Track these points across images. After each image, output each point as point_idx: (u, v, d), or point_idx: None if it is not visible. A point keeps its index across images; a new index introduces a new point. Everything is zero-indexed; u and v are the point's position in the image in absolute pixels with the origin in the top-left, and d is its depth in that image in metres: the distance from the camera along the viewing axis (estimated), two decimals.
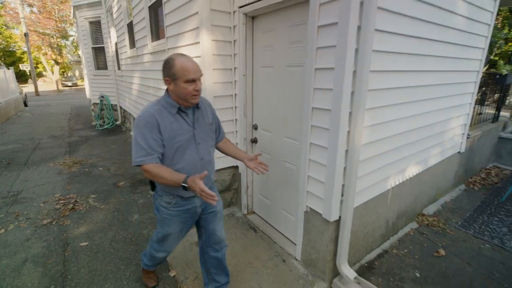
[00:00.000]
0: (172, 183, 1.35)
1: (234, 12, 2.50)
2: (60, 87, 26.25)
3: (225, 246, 1.85)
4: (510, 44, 7.59)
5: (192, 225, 1.76)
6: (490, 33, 3.12)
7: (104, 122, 8.09)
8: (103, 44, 7.69)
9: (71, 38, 30.10)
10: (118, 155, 5.32)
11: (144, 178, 4.18)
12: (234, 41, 2.57)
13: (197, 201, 1.62)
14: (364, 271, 2.26)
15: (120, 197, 3.55)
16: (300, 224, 2.19)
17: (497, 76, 3.95)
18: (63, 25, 27.77)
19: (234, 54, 2.62)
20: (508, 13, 7.34)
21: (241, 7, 2.40)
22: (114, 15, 6.26)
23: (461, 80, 2.94)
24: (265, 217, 2.84)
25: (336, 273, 2.08)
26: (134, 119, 1.54)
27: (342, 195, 1.88)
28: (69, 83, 28.75)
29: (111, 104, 8.01)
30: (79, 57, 20.85)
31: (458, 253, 2.50)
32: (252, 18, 2.47)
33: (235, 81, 2.69)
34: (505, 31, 7.52)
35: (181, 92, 1.39)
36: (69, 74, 33.96)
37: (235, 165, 2.95)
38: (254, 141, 2.75)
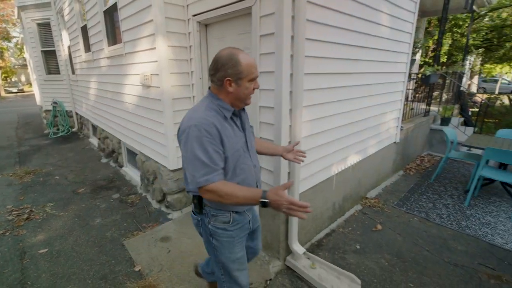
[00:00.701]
0: (245, 201, 1.13)
1: (188, 20, 2.68)
2: (3, 93, 23.80)
3: None
4: (441, 49, 8.73)
5: None
6: (412, 40, 3.68)
7: (58, 129, 7.64)
8: (54, 47, 7.28)
9: (14, 40, 27.44)
10: (76, 163, 5.13)
11: (107, 183, 4.14)
12: (190, 46, 2.75)
13: (249, 215, 1.44)
14: (314, 248, 2.57)
15: (81, 204, 3.50)
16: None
17: (423, 77, 4.62)
18: (4, 25, 25.22)
19: (191, 59, 2.80)
20: (437, 22, 8.47)
21: (194, 15, 2.59)
22: (66, 18, 6.02)
23: (391, 80, 3.44)
24: None
25: (289, 251, 2.36)
26: (179, 130, 1.22)
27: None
28: (14, 90, 26.16)
29: (66, 111, 7.60)
30: (26, 60, 19.14)
31: (392, 226, 2.94)
32: (205, 25, 2.67)
33: (192, 84, 2.86)
34: (435, 37, 8.65)
35: (243, 92, 1.23)
36: (13, 80, 30.86)
37: None
38: None
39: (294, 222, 2.24)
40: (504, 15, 8.48)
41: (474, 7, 6.51)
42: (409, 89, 5.96)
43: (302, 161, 1.67)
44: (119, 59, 3.58)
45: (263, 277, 2.19)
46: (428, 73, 4.47)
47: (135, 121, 3.55)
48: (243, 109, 1.38)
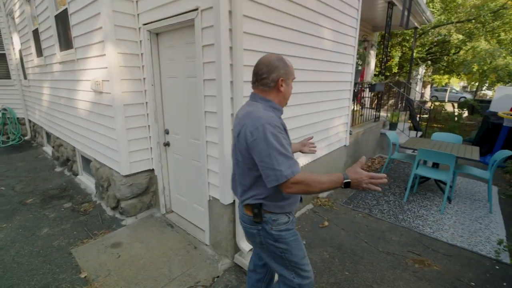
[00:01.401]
0: (331, 185, 1.15)
1: (139, 28, 2.76)
2: None
3: None
4: (392, 60, 9.59)
5: None
6: (356, 52, 4.06)
7: (8, 138, 7.12)
8: (4, 50, 6.84)
9: None
10: (26, 172, 4.84)
11: (59, 193, 3.97)
12: (142, 54, 2.82)
13: None
14: None
15: (28, 214, 3.33)
16: (206, 212, 2.53)
17: (370, 86, 5.08)
18: None
19: (143, 66, 2.86)
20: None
21: (145, 24, 2.67)
22: (17, 20, 5.73)
23: (337, 88, 3.75)
24: (182, 213, 3.10)
25: (237, 249, 2.47)
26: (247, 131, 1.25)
27: None
28: None
29: (17, 118, 7.13)
30: None
31: (337, 222, 3.18)
32: (156, 34, 2.76)
33: (145, 90, 2.92)
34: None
35: (289, 91, 1.34)
36: None
37: (151, 168, 3.14)
38: (167, 144, 3.00)
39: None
40: (443, 31, 9.57)
41: (416, 24, 7.28)
42: (364, 97, 6.48)
43: (315, 151, 1.74)
44: (71, 64, 3.52)
45: (211, 274, 2.28)
46: (373, 82, 4.92)
47: (88, 127, 3.49)
48: None
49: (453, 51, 9.61)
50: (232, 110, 2.14)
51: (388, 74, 9.83)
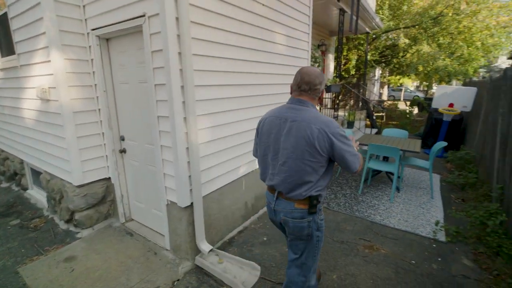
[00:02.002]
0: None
1: (88, 33, 2.69)
2: None
3: None
4: (349, 63, 10.24)
5: None
6: (309, 56, 4.30)
7: None
8: None
9: None
10: None
11: (5, 210, 3.67)
12: (92, 60, 2.75)
13: None
14: (226, 246, 2.77)
15: None
16: (164, 217, 2.53)
17: (326, 87, 5.40)
18: None
19: (93, 72, 2.78)
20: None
21: (93, 29, 2.61)
22: None
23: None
24: (142, 220, 3.05)
25: (198, 251, 2.50)
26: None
27: (191, 185, 2.33)
28: None
29: None
30: None
31: None
32: (106, 39, 2.71)
33: (97, 96, 2.84)
34: (344, 53, 10.10)
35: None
36: None
37: (107, 177, 3.04)
38: (123, 151, 2.94)
39: (200, 223, 2.40)
40: (393, 35, 10.44)
41: (367, 29, 7.86)
42: (325, 98, 6.83)
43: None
44: (14, 71, 3.30)
45: (171, 278, 2.28)
46: (329, 83, 5.24)
47: (36, 137, 3.29)
48: None
49: (401, 54, 10.51)
50: (184, 114, 2.18)
51: (346, 76, 10.46)
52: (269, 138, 1.55)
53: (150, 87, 2.25)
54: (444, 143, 3.94)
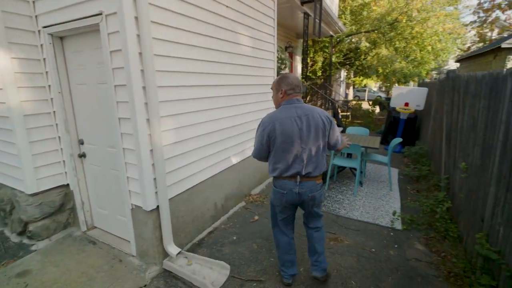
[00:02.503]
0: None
1: (39, 31, 2.52)
2: None
3: None
4: (316, 65, 10.65)
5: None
6: (276, 58, 4.42)
7: None
8: None
9: None
10: None
11: None
12: (44, 59, 2.58)
13: None
14: (195, 247, 2.75)
15: None
16: (129, 222, 2.45)
17: None
18: None
19: (47, 72, 2.61)
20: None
21: (45, 27, 2.45)
22: None
23: (260, 91, 4.01)
24: (106, 227, 2.91)
25: (166, 254, 2.46)
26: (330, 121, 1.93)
27: (156, 187, 2.29)
28: None
29: None
30: None
31: (267, 215, 3.41)
32: (60, 38, 2.56)
33: (51, 98, 2.67)
34: (311, 55, 10.48)
35: None
36: None
37: (66, 183, 2.87)
38: (83, 155, 2.79)
39: (167, 226, 2.36)
40: (354, 40, 11.08)
41: (331, 33, 8.24)
42: None
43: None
44: None
45: (138, 285, 2.22)
46: None
47: None
48: None
49: (363, 56, 11.18)
50: (147, 115, 2.14)
51: (313, 77, 10.85)
52: (291, 136, 1.81)
53: (110, 88, 2.17)
54: (399, 139, 4.27)
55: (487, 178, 2.21)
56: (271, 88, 2.00)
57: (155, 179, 2.27)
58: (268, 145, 1.88)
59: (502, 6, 19.46)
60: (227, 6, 2.98)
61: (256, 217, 3.35)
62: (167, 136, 2.35)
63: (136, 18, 1.97)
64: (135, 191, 2.30)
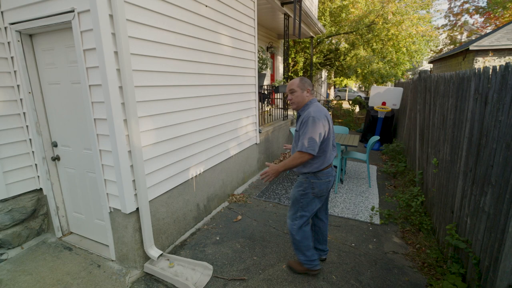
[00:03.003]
0: None
1: (5, 28, 2.39)
2: None
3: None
4: (297, 65, 10.81)
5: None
6: (257, 58, 4.44)
7: None
8: None
9: None
10: None
11: None
12: (12, 57, 2.45)
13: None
14: (177, 249, 2.72)
15: None
16: (108, 226, 2.38)
17: (274, 88, 5.64)
18: None
19: (15, 71, 2.48)
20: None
21: (12, 23, 2.33)
22: None
23: (241, 91, 4.02)
24: (83, 232, 2.81)
25: (147, 258, 2.41)
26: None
27: (135, 190, 2.24)
28: None
29: None
30: None
31: (250, 215, 3.43)
32: (29, 35, 2.44)
33: (20, 99, 2.53)
34: (292, 55, 10.63)
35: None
36: None
37: (39, 188, 2.74)
38: (57, 158, 2.68)
39: (147, 228, 2.32)
40: (334, 41, 11.36)
41: (311, 34, 8.40)
42: (277, 98, 7.07)
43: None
44: None
45: None
46: (276, 84, 5.47)
47: None
48: (299, 115, 2.14)
49: (342, 57, 11.48)
50: (125, 116, 2.09)
51: (295, 77, 11.00)
52: (332, 128, 2.10)
53: (85, 88, 2.09)
54: (377, 137, 4.43)
55: (455, 172, 2.35)
56: (293, 89, 2.11)
57: (134, 180, 2.22)
58: (323, 138, 2.02)
59: (470, 11, 20.69)
60: (206, 6, 2.97)
61: (240, 217, 3.35)
62: (146, 137, 2.30)
63: (111, 16, 1.92)
64: (114, 193, 2.24)
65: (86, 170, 2.52)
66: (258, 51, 4.98)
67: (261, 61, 4.98)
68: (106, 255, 2.51)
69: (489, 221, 1.76)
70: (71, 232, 2.89)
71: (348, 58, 11.21)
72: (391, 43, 10.51)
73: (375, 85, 10.34)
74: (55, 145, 2.66)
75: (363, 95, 22.94)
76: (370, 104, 7.15)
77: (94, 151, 2.23)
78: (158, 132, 2.45)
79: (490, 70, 1.85)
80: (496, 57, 8.97)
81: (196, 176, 3.08)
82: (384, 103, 6.87)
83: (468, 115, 2.14)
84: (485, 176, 1.82)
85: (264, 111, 5.51)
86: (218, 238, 2.91)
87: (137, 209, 2.28)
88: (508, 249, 1.52)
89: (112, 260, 2.46)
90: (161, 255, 2.38)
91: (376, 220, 3.32)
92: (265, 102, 5.89)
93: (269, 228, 3.12)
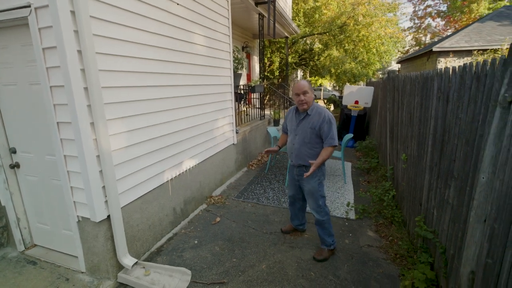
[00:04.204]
0: None
1: None
2: None
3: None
4: (273, 65, 10.90)
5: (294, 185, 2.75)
6: (232, 57, 4.40)
7: None
8: None
9: None
10: None
11: None
12: None
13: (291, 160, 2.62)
14: (154, 256, 2.62)
15: None
16: (77, 236, 2.23)
17: (250, 87, 5.64)
18: None
19: None
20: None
21: None
22: None
23: (216, 91, 3.97)
24: (48, 244, 2.62)
25: (121, 267, 2.30)
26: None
27: (106, 196, 2.12)
28: None
29: None
30: None
31: (229, 216, 3.39)
32: None
33: None
34: (268, 55, 10.70)
35: (295, 100, 2.39)
36: None
37: None
38: (16, 166, 2.47)
39: (120, 236, 2.21)
40: (308, 41, 11.61)
41: (286, 34, 8.50)
42: (254, 98, 7.06)
43: None
44: None
45: None
46: (252, 84, 5.47)
47: None
48: (307, 114, 2.38)
49: (316, 57, 11.76)
50: (92, 119, 1.97)
51: (271, 77, 11.09)
52: None
53: (45, 90, 1.94)
54: (351, 135, 4.58)
55: (422, 167, 2.49)
56: (306, 90, 2.30)
57: (104, 187, 2.10)
58: None
59: (432, 14, 22.10)
60: (177, 4, 2.88)
61: (218, 219, 3.31)
62: (116, 140, 2.19)
63: (73, 12, 1.80)
64: (81, 201, 2.10)
65: (50, 178, 2.35)
66: (234, 51, 4.95)
67: (237, 61, 4.95)
68: (75, 267, 2.36)
69: (453, 212, 1.87)
70: (35, 245, 2.68)
71: (322, 58, 11.50)
72: (362, 44, 10.94)
73: (348, 84, 10.71)
74: (13, 151, 2.45)
75: (337, 94, 23.65)
76: (344, 102, 7.38)
77: (59, 157, 2.08)
78: (130, 134, 2.35)
79: (450, 71, 1.98)
80: (456, 58, 9.65)
81: (172, 179, 2.99)
82: (357, 102, 7.13)
83: (432, 112, 2.27)
84: (449, 170, 1.94)
85: (241, 111, 5.49)
86: (196, 242, 2.85)
87: (108, 216, 2.16)
88: (469, 238, 1.63)
89: (82, 272, 2.31)
90: (136, 263, 2.28)
91: (352, 215, 3.43)
92: (242, 102, 5.88)
93: (248, 229, 3.11)
